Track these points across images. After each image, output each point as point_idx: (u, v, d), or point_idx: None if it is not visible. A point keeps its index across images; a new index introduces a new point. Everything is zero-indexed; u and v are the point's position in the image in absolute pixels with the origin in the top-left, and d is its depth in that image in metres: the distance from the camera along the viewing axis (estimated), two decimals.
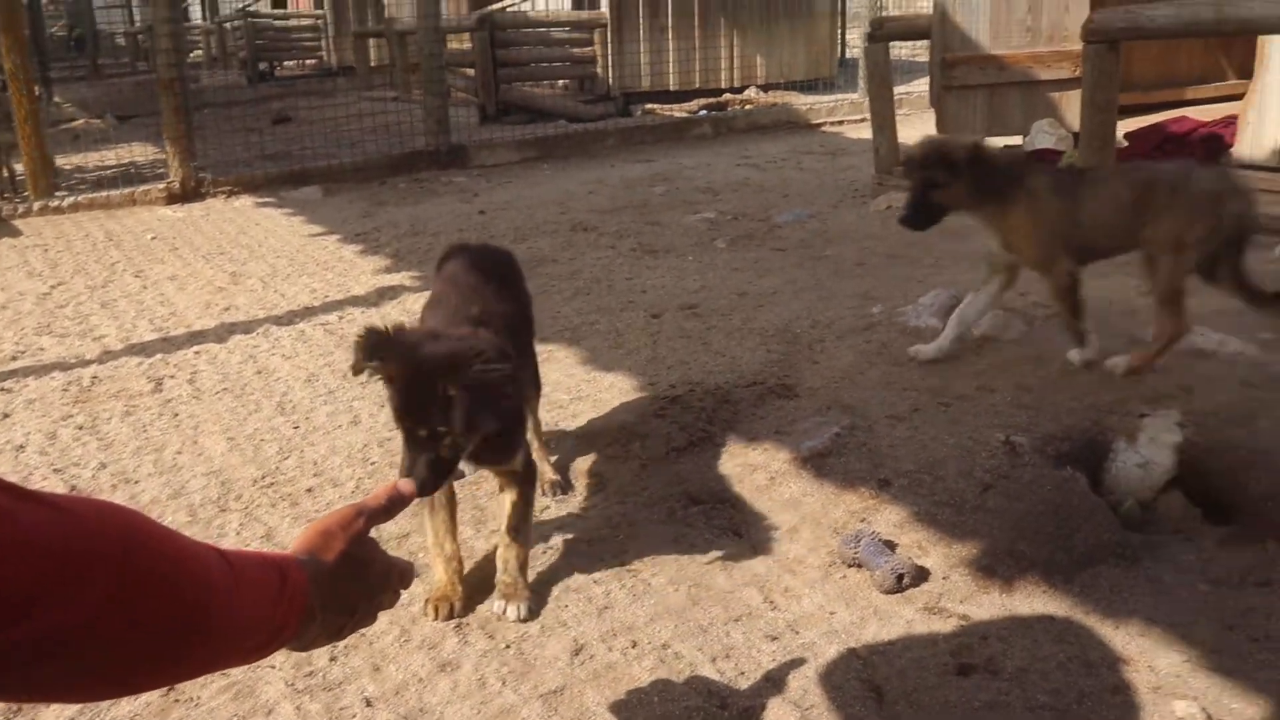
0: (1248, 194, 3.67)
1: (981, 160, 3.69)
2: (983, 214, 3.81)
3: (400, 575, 1.50)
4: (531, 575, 2.73)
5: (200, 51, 22.21)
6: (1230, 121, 7.19)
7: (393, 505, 1.52)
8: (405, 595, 1.62)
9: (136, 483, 3.39)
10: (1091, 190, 3.72)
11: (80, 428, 3.83)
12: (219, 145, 9.59)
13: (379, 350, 2.37)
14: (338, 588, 1.35)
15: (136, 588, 1.03)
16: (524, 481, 2.75)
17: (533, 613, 2.59)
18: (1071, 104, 7.64)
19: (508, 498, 2.74)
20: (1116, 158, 6.36)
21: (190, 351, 4.65)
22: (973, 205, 3.77)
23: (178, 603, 1.08)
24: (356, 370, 2.43)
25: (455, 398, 2.28)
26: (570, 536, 2.98)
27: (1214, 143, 7.12)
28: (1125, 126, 7.48)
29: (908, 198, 3.83)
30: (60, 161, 9.05)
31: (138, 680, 1.11)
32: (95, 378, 4.34)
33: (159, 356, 4.59)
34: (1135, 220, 3.60)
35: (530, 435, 3.08)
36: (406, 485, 1.56)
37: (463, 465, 2.62)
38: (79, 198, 8.05)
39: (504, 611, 2.59)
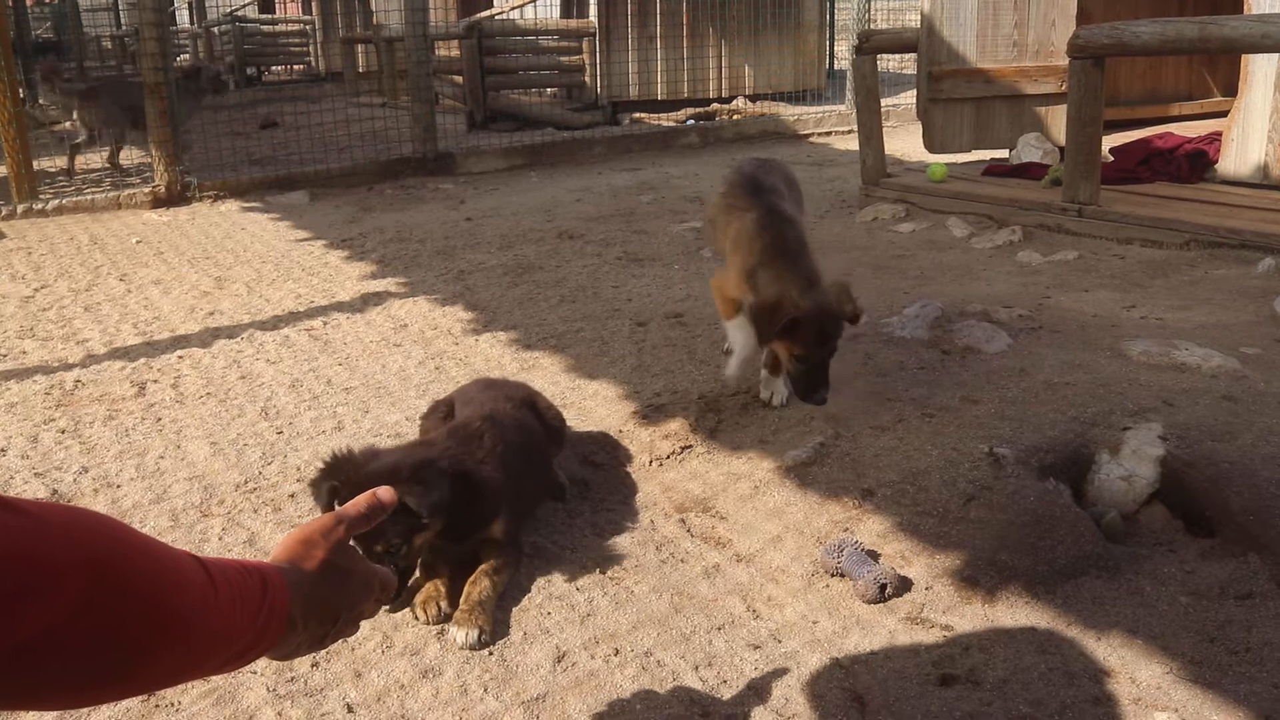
0: None
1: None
2: None
3: (383, 584, 1.50)
4: (515, 580, 2.72)
5: (187, 55, 22.14)
6: (1215, 138, 7.25)
7: (373, 513, 1.51)
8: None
9: (118, 487, 3.37)
10: None
11: (62, 431, 3.81)
12: (205, 149, 9.56)
13: (334, 473, 2.68)
14: (319, 596, 1.35)
15: (109, 595, 1.02)
16: (506, 546, 2.81)
17: (483, 641, 2.51)
18: (1057, 118, 7.70)
19: (488, 554, 2.78)
20: (1102, 172, 6.40)
21: (174, 356, 4.63)
22: None
23: (152, 610, 1.07)
24: (315, 493, 2.73)
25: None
26: (554, 543, 2.97)
27: (1198, 159, 7.16)
28: (1111, 141, 7.53)
29: (813, 374, 3.49)
30: (44, 164, 9.01)
31: (114, 687, 1.10)
32: (78, 381, 4.32)
33: (142, 361, 4.57)
34: None
35: None
36: (387, 493, 1.55)
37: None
38: (63, 201, 8.01)
39: (454, 637, 2.52)
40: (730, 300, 3.79)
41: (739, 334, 3.83)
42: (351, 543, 1.46)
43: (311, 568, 1.36)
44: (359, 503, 1.50)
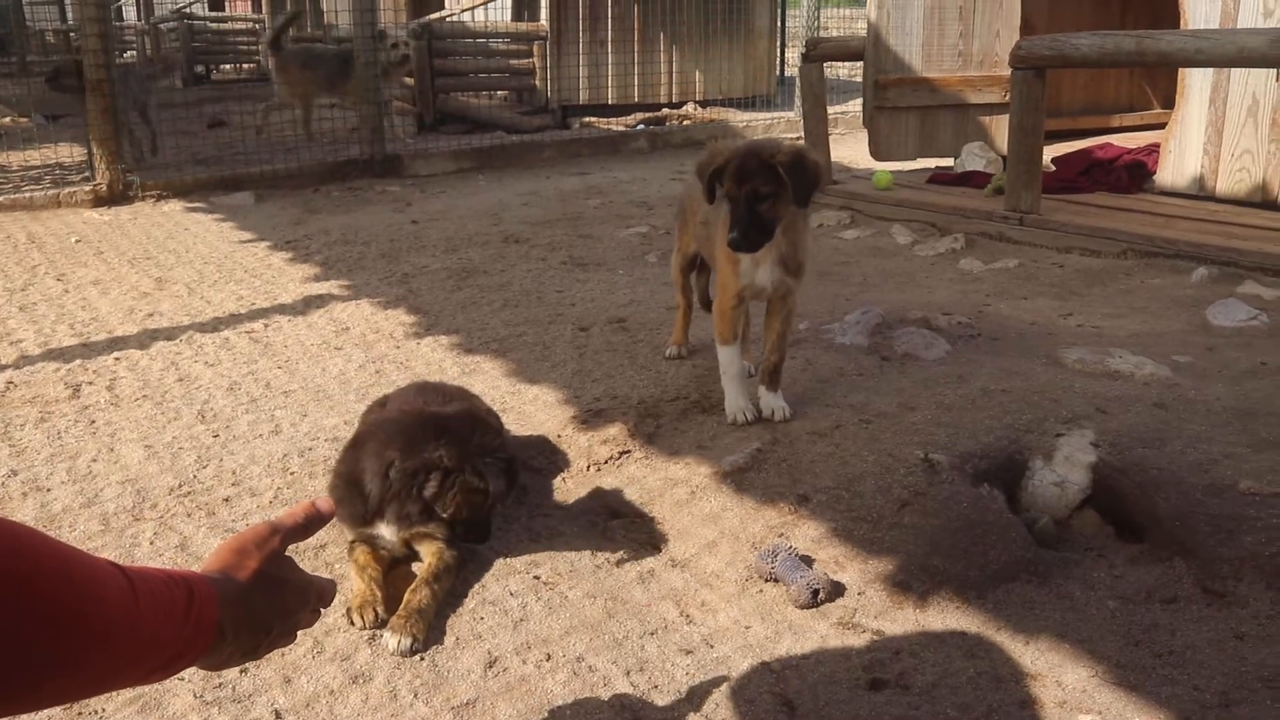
0: None
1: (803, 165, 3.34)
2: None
3: (319, 594, 1.48)
4: (448, 585, 2.72)
5: (134, 52, 21.86)
6: (1153, 149, 7.37)
7: (310, 523, 1.50)
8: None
9: (48, 490, 3.32)
10: None
11: None
12: (150, 148, 9.44)
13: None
14: (251, 606, 1.33)
15: (20, 602, 1.01)
16: (448, 547, 2.82)
17: (415, 649, 2.50)
18: (1001, 128, 7.79)
19: (429, 557, 2.79)
20: (1044, 182, 6.49)
21: (110, 357, 4.57)
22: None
23: (68, 618, 1.05)
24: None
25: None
26: (488, 548, 2.96)
27: (1137, 170, 7.28)
28: (1053, 151, 7.63)
29: (734, 214, 3.33)
30: None
31: (29, 697, 1.07)
32: (10, 383, 4.25)
33: (78, 362, 4.51)
34: None
35: None
36: (324, 503, 1.54)
37: (386, 530, 2.72)
38: (0, 198, 7.88)
39: (387, 643, 2.51)
40: (728, 316, 3.61)
41: (734, 360, 3.67)
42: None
43: (244, 578, 1.34)
44: (295, 513, 1.49)
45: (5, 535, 1.03)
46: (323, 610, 1.54)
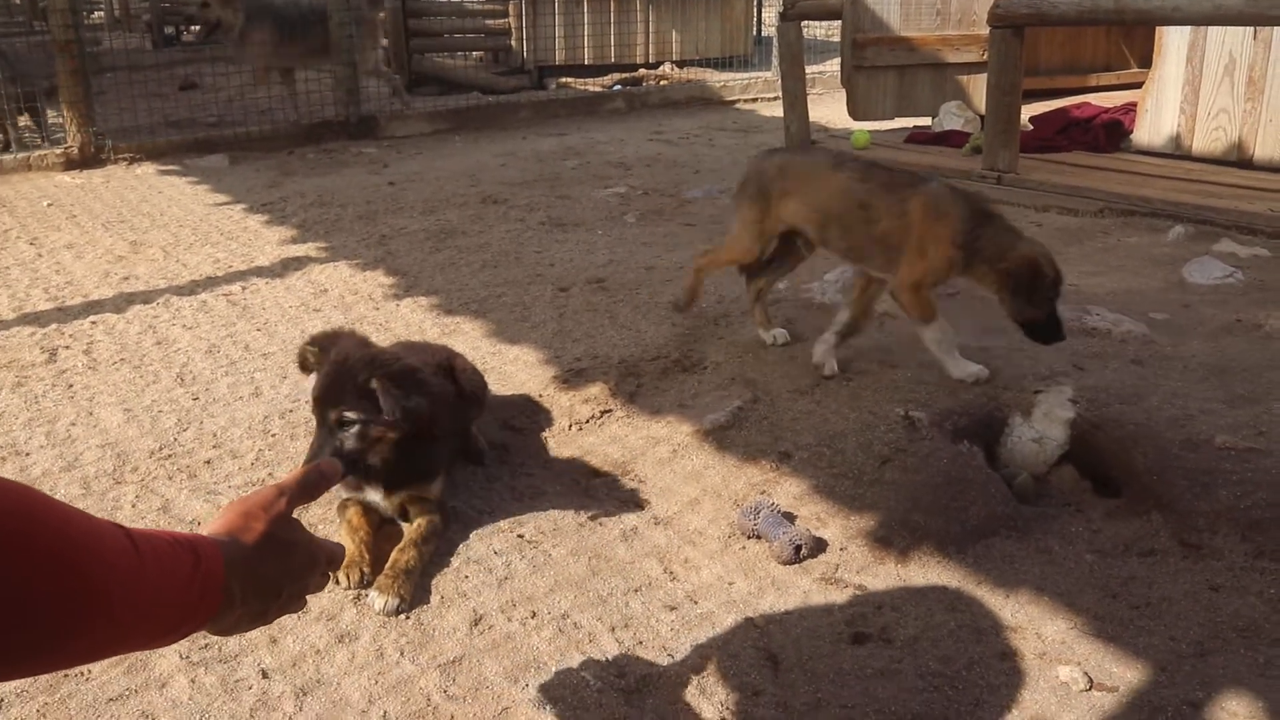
0: None
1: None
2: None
3: (329, 557, 1.47)
4: (434, 547, 2.72)
5: (102, 13, 21.55)
6: (1130, 109, 7.38)
7: (315, 485, 1.49)
8: None
9: (27, 455, 3.30)
10: None
11: None
12: (121, 110, 9.33)
13: (321, 340, 2.79)
14: (259, 570, 1.31)
15: (20, 563, 0.99)
16: (437, 510, 2.82)
17: (402, 608, 2.50)
18: (979, 87, 7.78)
19: (417, 518, 2.79)
20: (1021, 141, 6.50)
21: (87, 321, 4.54)
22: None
23: (71, 580, 1.03)
24: (301, 358, 2.82)
25: (375, 389, 2.59)
26: (472, 508, 2.97)
27: (1115, 129, 7.30)
28: (1030, 110, 7.64)
29: None
30: None
31: (30, 660, 1.05)
32: None
33: (54, 326, 4.47)
34: None
35: None
36: (329, 465, 1.54)
37: (373, 492, 2.71)
38: None
39: (373, 603, 2.52)
40: (925, 296, 3.50)
41: (948, 330, 3.57)
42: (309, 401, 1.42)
43: (251, 540, 1.32)
44: (298, 474, 1.48)
45: (5, 493, 1.01)
46: (331, 574, 1.53)
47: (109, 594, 1.07)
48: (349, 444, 2.62)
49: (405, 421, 2.62)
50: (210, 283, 5.10)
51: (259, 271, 5.28)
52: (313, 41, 9.52)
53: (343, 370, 2.63)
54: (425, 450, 2.80)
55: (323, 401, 2.63)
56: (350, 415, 2.59)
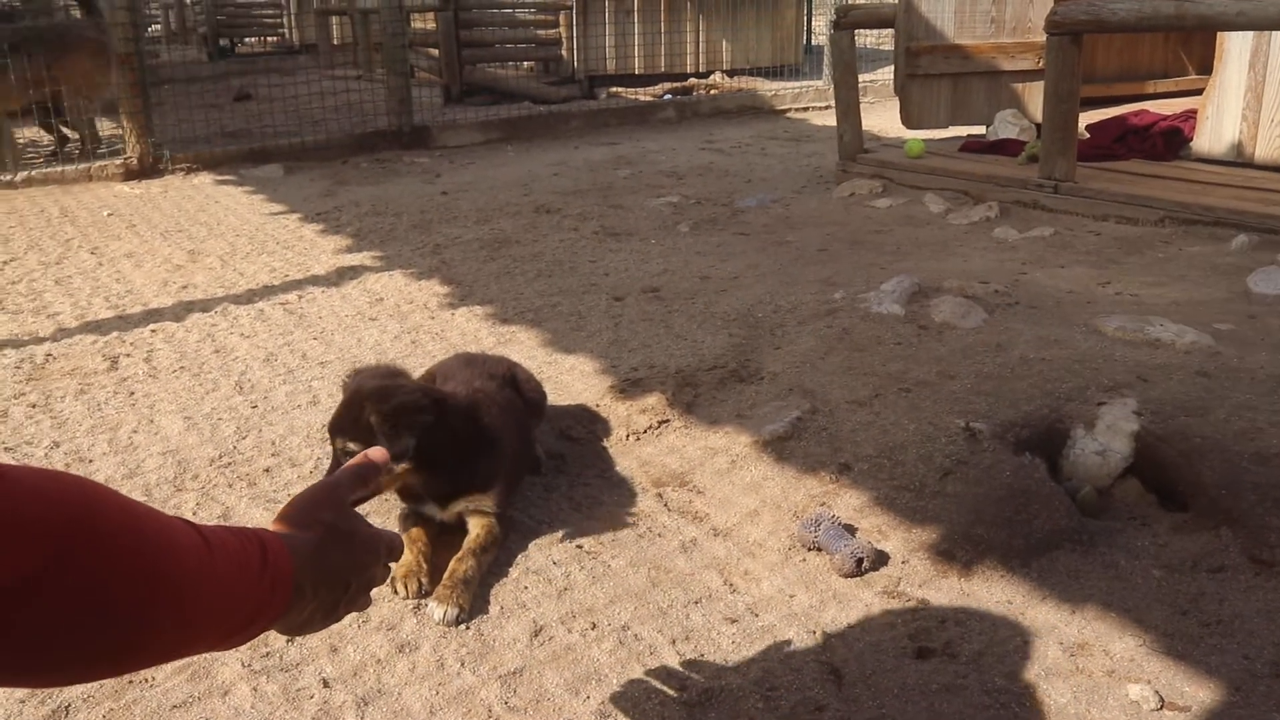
0: None
1: None
2: None
3: (389, 546, 1.46)
4: (493, 556, 2.72)
5: (159, 26, 21.89)
6: (1190, 116, 7.27)
7: (368, 475, 1.48)
8: None
9: (90, 462, 3.34)
10: None
11: (33, 406, 3.78)
12: (178, 121, 9.46)
13: (353, 376, 2.92)
14: (325, 562, 1.29)
15: (89, 553, 0.97)
16: (496, 520, 2.81)
17: (461, 619, 2.50)
18: (1034, 95, 7.70)
19: (475, 528, 2.79)
20: (1078, 149, 6.41)
21: (147, 330, 4.59)
22: None
23: (140, 571, 1.01)
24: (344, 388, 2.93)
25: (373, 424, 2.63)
26: (531, 518, 2.97)
27: (1174, 136, 7.18)
28: (1086, 118, 7.53)
29: None
30: (14, 136, 8.88)
31: (110, 659, 1.03)
32: (49, 355, 4.28)
33: (114, 334, 4.53)
34: None
35: None
36: (378, 453, 1.53)
37: (431, 508, 2.78)
38: (33, 173, 7.92)
39: (432, 613, 2.52)
40: None
41: None
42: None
43: (315, 532, 1.31)
44: (350, 467, 1.47)
45: (74, 488, 1.00)
46: (391, 565, 1.51)
47: (179, 585, 1.05)
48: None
49: (395, 460, 2.62)
50: (267, 291, 5.15)
51: (315, 280, 5.32)
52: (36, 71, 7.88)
53: (351, 402, 2.71)
54: (482, 460, 2.80)
55: (331, 430, 2.74)
56: (353, 447, 2.62)
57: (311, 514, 1.33)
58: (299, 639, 2.42)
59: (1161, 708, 2.18)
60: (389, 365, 3.11)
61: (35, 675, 1.01)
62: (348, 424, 2.67)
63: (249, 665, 2.34)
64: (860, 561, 2.66)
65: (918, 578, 2.66)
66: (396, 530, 2.84)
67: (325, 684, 2.30)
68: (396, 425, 2.63)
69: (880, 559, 2.72)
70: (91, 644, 1.00)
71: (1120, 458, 3.17)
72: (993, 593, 2.60)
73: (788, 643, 2.41)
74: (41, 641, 0.95)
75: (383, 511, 2.97)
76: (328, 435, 2.76)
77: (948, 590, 2.61)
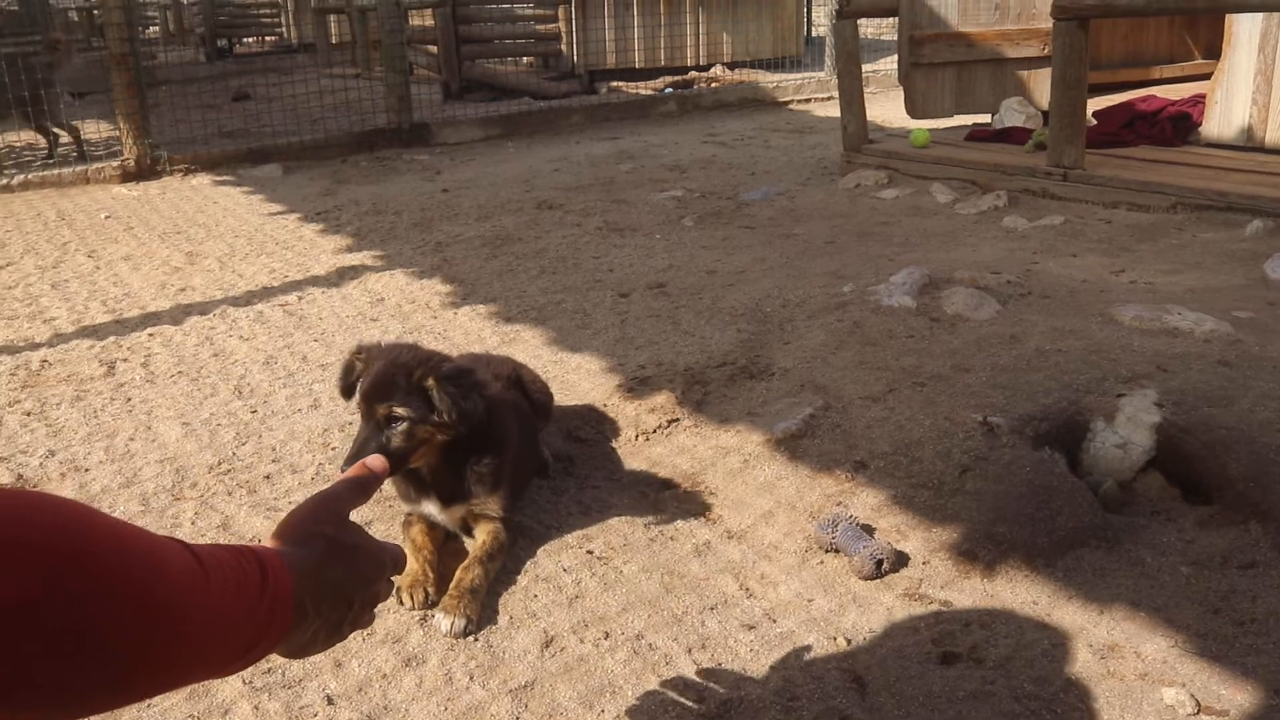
0: None
1: None
2: None
3: (394, 559, 1.38)
4: (501, 564, 2.64)
5: (156, 27, 21.81)
6: (1198, 100, 7.18)
7: (367, 485, 1.41)
8: None
9: (86, 470, 3.26)
10: None
11: (28, 413, 3.70)
12: (176, 122, 9.38)
13: (370, 348, 2.67)
14: (327, 578, 1.21)
15: (78, 582, 0.90)
16: (502, 525, 2.71)
17: (469, 630, 2.42)
18: (1040, 82, 7.61)
19: (482, 534, 2.70)
20: (1086, 136, 6.33)
21: (144, 334, 4.51)
22: None
23: (131, 599, 0.95)
24: (348, 366, 2.69)
25: (428, 388, 2.49)
26: (539, 522, 2.89)
27: (1182, 121, 7.09)
28: (1093, 105, 7.44)
29: None
30: (10, 138, 8.81)
31: (99, 694, 0.95)
32: (45, 361, 4.20)
33: (111, 339, 4.45)
34: None
35: None
36: (376, 462, 1.46)
37: (432, 506, 2.62)
38: (29, 175, 7.84)
39: (439, 624, 2.43)
40: None
41: None
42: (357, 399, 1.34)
43: (316, 548, 1.24)
44: (348, 477, 1.40)
45: (51, 510, 0.93)
46: (395, 580, 1.44)
47: (174, 614, 0.98)
48: (395, 441, 2.49)
49: (461, 423, 2.51)
50: (266, 293, 5.07)
51: (315, 281, 5.25)
52: None
53: (395, 367, 2.53)
54: (486, 461, 2.71)
55: (370, 397, 2.52)
56: (400, 411, 2.47)
57: (311, 528, 1.25)
58: None
59: (1198, 712, 2.10)
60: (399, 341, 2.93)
61: (23, 711, 0.94)
62: (393, 390, 2.50)
63: (250, 683, 2.26)
64: (880, 563, 2.58)
65: (939, 579, 2.58)
66: (399, 535, 2.76)
67: (329, 701, 2.22)
68: (461, 386, 2.52)
69: (900, 560, 2.63)
70: (83, 675, 0.92)
71: (1142, 450, 3.09)
72: (1017, 593, 2.52)
73: (808, 649, 2.33)
74: (29, 675, 0.88)
75: (386, 519, 2.89)
76: (361, 403, 2.55)
77: (971, 592, 2.53)
